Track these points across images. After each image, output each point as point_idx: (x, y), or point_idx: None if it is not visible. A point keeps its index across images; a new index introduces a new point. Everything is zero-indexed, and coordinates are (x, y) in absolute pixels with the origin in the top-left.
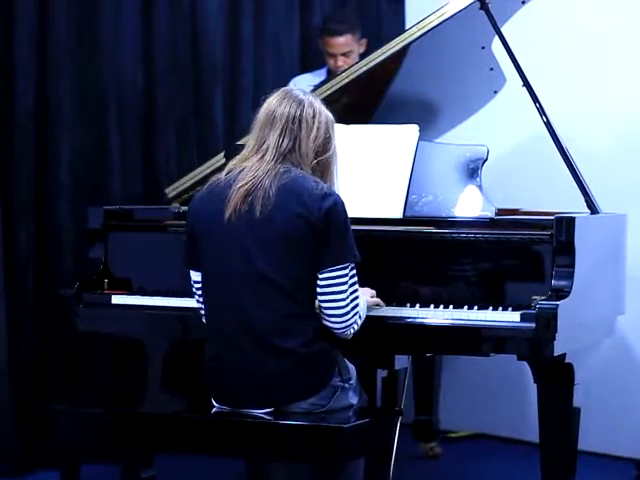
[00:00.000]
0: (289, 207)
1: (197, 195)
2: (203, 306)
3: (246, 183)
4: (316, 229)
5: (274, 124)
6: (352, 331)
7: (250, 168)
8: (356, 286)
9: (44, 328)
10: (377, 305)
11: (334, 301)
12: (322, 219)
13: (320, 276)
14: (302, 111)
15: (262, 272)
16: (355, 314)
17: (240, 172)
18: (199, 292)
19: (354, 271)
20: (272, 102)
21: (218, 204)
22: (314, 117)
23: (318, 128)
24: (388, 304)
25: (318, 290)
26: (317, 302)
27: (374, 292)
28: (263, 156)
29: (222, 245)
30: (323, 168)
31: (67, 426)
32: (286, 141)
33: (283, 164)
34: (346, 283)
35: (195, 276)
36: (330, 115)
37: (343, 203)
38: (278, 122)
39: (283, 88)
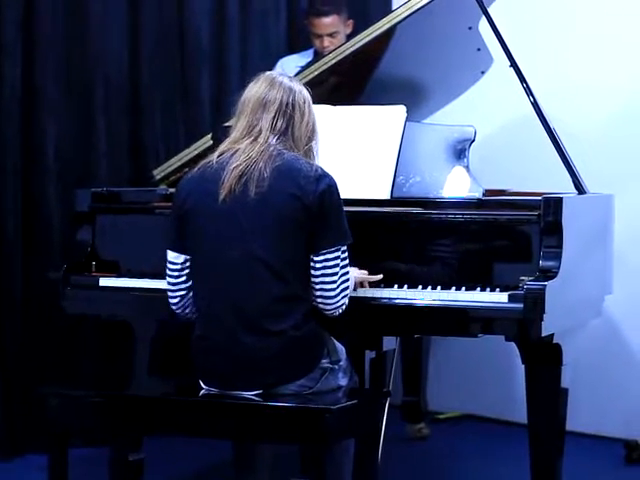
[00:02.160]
0: (284, 189)
1: (187, 176)
2: (178, 287)
3: (240, 164)
4: (311, 211)
5: (267, 108)
6: (340, 311)
7: (243, 150)
8: (347, 268)
9: (32, 311)
10: (362, 285)
11: (326, 283)
12: (317, 201)
13: (315, 258)
14: (294, 97)
15: (255, 254)
16: (344, 296)
17: (233, 154)
18: (175, 274)
19: (346, 253)
20: (261, 87)
21: (211, 186)
22: (304, 103)
23: (310, 113)
24: (376, 285)
25: (312, 272)
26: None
27: (366, 272)
28: (256, 138)
29: (215, 226)
30: (310, 154)
31: (55, 409)
32: (280, 122)
33: (276, 146)
34: (338, 265)
35: (175, 258)
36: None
37: (337, 185)
38: (272, 106)
39: (267, 73)
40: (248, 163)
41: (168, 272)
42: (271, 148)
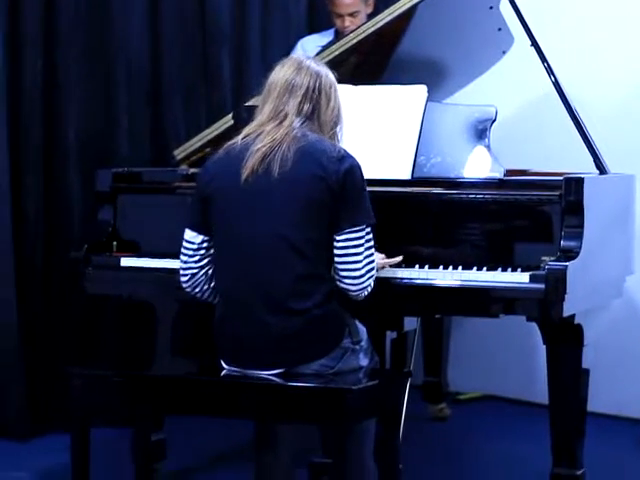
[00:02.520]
0: (307, 169)
1: (212, 158)
2: (189, 266)
3: (264, 145)
4: (334, 191)
5: (294, 92)
6: (366, 293)
7: (268, 132)
8: (372, 249)
9: (54, 291)
10: (382, 267)
11: (350, 263)
12: (340, 181)
13: (337, 238)
14: (321, 82)
15: (279, 233)
16: (370, 277)
17: (258, 136)
18: (190, 252)
19: (370, 234)
20: (288, 71)
21: (235, 166)
22: (331, 87)
23: (335, 98)
24: (397, 266)
25: (335, 252)
26: (334, 264)
27: (384, 256)
28: (282, 122)
29: (238, 207)
30: (335, 139)
31: (77, 389)
32: (306, 107)
33: (301, 129)
34: (362, 245)
35: (193, 237)
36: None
37: (360, 166)
38: (298, 90)
39: (294, 57)
40: (272, 145)
41: (183, 250)
42: (295, 130)
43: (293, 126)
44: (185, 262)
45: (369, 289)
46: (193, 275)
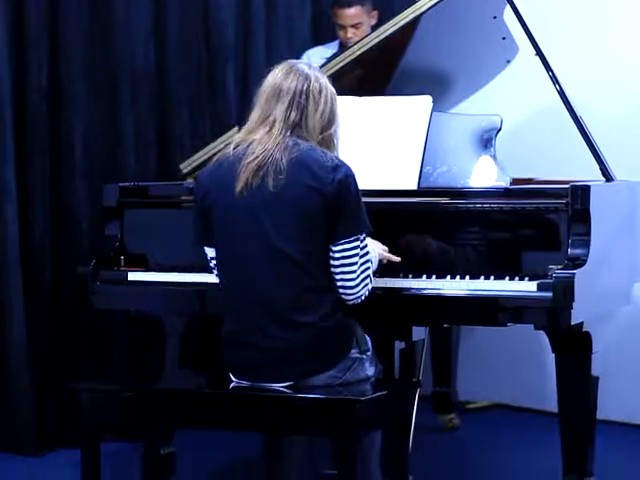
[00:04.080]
0: (301, 180)
1: (205, 171)
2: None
3: (256, 157)
4: (329, 201)
5: (281, 97)
6: (360, 301)
7: (259, 141)
8: (367, 256)
9: (61, 306)
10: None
11: (346, 273)
12: (335, 191)
13: (334, 248)
14: (309, 85)
15: (277, 247)
16: (365, 286)
17: (248, 146)
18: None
19: (366, 241)
20: (277, 75)
21: (229, 179)
22: (320, 92)
23: (325, 102)
24: (404, 276)
25: (331, 262)
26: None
27: (386, 248)
28: (270, 129)
29: (235, 221)
30: (328, 143)
31: (86, 404)
32: (294, 114)
33: (291, 137)
34: (358, 255)
35: (210, 252)
36: (334, 90)
37: (354, 174)
38: (285, 95)
39: (288, 61)
40: (265, 155)
41: (212, 266)
42: (286, 139)
43: (284, 134)
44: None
45: (363, 297)
46: None
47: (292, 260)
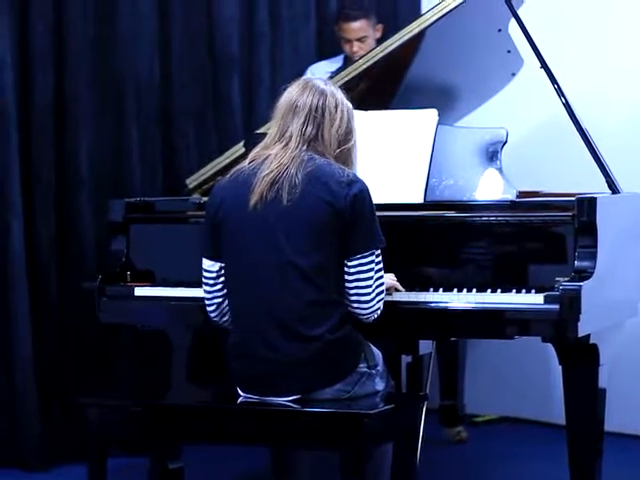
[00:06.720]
0: (316, 194)
1: (220, 183)
2: (214, 295)
3: (272, 171)
4: (343, 216)
5: (297, 112)
6: (375, 316)
7: (275, 156)
8: (381, 272)
9: (68, 321)
10: (396, 290)
11: (361, 287)
12: (349, 206)
13: (349, 263)
14: (325, 101)
15: (289, 260)
16: (379, 300)
17: (264, 160)
18: (211, 282)
19: (380, 257)
20: (293, 91)
21: (243, 192)
22: (336, 107)
23: (341, 118)
24: (411, 289)
25: (345, 277)
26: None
27: (392, 275)
28: (287, 144)
29: (247, 233)
30: (345, 158)
31: (93, 419)
32: (310, 128)
33: (307, 152)
34: (372, 270)
35: (210, 266)
36: (351, 105)
37: (368, 189)
38: (301, 111)
39: (303, 77)
40: (280, 170)
41: (204, 280)
42: (302, 154)
43: (300, 149)
44: (209, 292)
45: (378, 312)
46: (219, 305)
47: (303, 273)
